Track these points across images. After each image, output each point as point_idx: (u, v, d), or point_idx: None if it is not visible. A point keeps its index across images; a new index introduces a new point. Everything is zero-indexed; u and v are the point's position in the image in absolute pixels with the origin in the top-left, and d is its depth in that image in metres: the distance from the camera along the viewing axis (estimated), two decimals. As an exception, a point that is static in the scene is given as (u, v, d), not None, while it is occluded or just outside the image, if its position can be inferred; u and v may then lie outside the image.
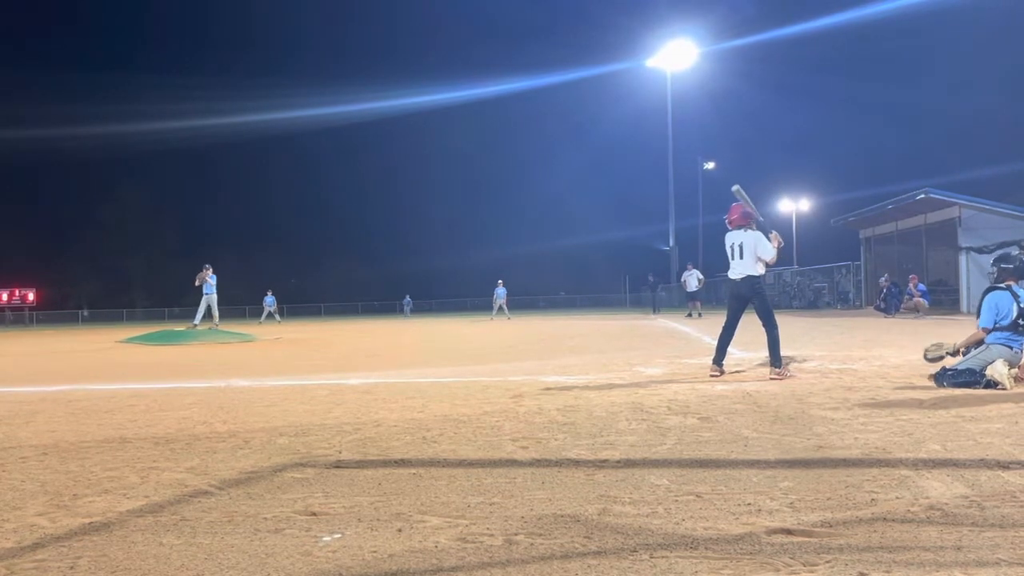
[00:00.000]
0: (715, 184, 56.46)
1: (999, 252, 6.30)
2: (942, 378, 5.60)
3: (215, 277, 18.94)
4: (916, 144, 63.36)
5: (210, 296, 18.71)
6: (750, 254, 6.68)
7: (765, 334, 6.61)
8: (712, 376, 6.62)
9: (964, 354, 5.83)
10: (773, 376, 6.36)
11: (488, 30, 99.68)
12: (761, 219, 6.80)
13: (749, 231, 6.75)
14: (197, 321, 18.54)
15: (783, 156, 77.46)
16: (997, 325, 5.73)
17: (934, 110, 59.97)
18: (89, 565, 2.23)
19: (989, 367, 5.44)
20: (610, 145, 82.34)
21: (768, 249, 6.65)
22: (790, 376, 6.43)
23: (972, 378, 5.44)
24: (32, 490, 3.14)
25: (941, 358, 5.86)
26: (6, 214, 67.86)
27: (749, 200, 6.73)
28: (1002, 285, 5.92)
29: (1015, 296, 5.78)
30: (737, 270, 6.80)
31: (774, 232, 6.75)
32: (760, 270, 6.74)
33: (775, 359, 6.49)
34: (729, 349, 6.92)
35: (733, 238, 6.83)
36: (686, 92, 45.32)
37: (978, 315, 5.95)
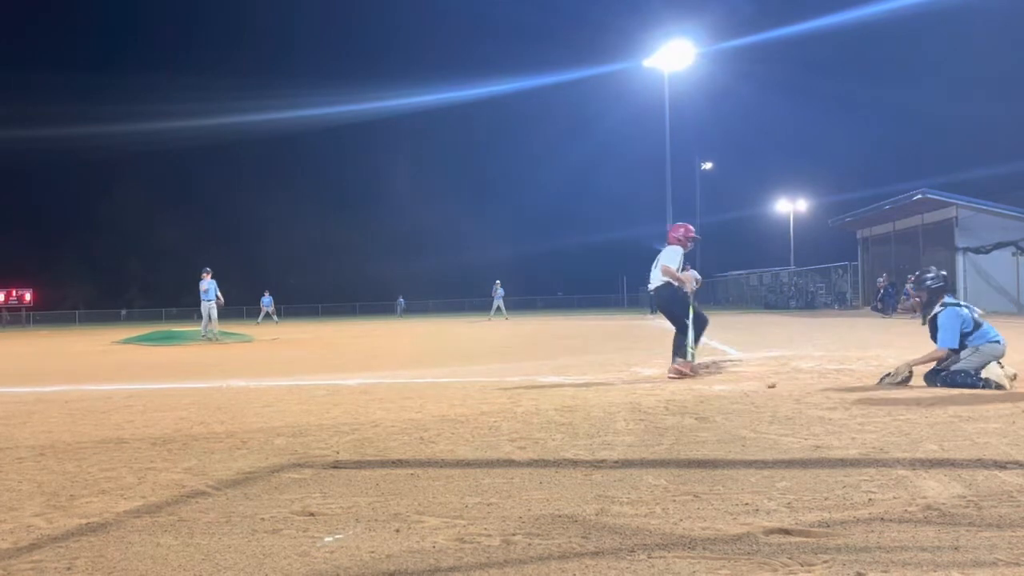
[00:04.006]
0: (713, 184, 56.54)
1: (917, 274, 6.35)
2: (934, 379, 5.61)
3: (213, 283, 17.00)
4: (913, 144, 63.47)
5: (206, 304, 16.85)
6: (661, 262, 7.03)
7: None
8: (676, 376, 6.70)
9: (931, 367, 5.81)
10: (671, 374, 6.61)
11: (485, 31, 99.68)
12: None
13: (672, 246, 7.13)
14: (203, 331, 16.88)
15: (780, 156, 77.60)
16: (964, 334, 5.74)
17: (931, 110, 60.00)
18: (86, 566, 2.23)
19: (985, 370, 5.45)
20: (608, 145, 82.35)
21: (670, 259, 6.95)
22: (683, 377, 6.53)
23: (966, 380, 5.44)
24: (29, 491, 3.14)
25: (908, 378, 5.75)
26: (3, 214, 67.81)
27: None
28: (939, 307, 5.93)
29: (957, 305, 5.87)
30: (652, 280, 7.15)
31: (693, 276, 7.20)
32: (668, 279, 6.95)
33: (676, 356, 6.73)
34: (725, 349, 6.96)
35: (659, 251, 7.23)
36: (684, 92, 45.25)
37: (933, 337, 5.94)
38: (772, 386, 5.80)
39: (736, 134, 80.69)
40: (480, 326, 23.47)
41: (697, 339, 6.95)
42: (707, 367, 7.36)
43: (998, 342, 5.65)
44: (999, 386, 5.32)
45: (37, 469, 3.56)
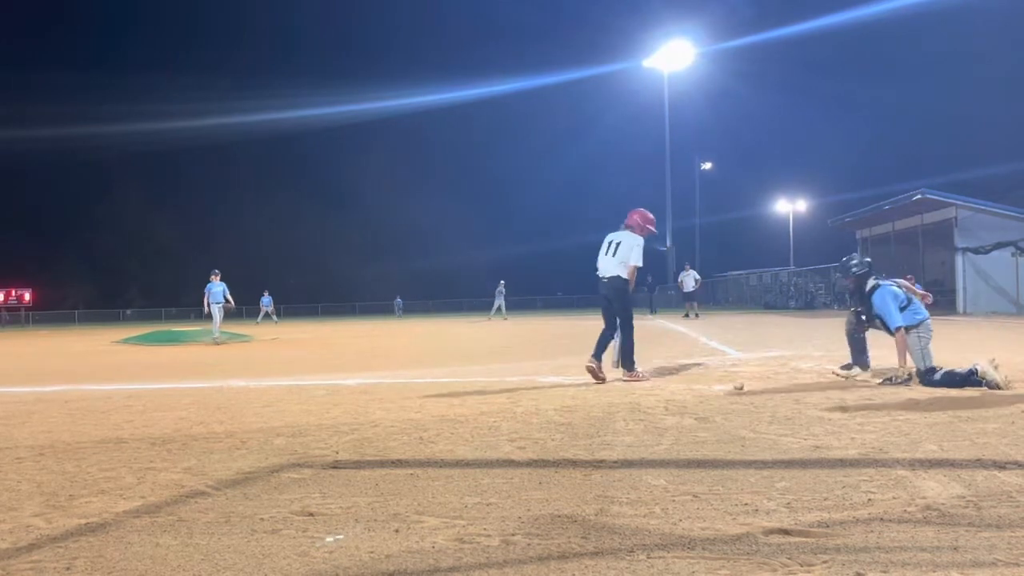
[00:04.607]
0: (713, 184, 56.57)
1: (843, 261, 6.36)
2: (931, 380, 5.62)
3: (222, 285, 16.46)
4: (913, 144, 63.45)
5: (214, 306, 16.31)
6: (623, 254, 6.66)
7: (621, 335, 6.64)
8: (587, 367, 6.49)
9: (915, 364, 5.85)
10: (625, 378, 6.43)
11: (485, 31, 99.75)
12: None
13: (632, 234, 6.73)
14: (215, 332, 16.25)
15: (780, 156, 77.67)
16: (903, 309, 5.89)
17: (931, 110, 60.07)
18: (85, 566, 2.22)
19: (981, 370, 5.45)
20: (607, 145, 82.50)
21: (636, 256, 6.61)
22: (643, 379, 6.43)
23: (966, 379, 5.44)
24: (28, 491, 3.14)
25: (907, 380, 5.78)
26: (3, 214, 67.82)
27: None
28: (871, 282, 6.06)
29: (886, 283, 6.02)
30: (604, 268, 6.76)
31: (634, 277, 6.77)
32: (626, 273, 6.69)
33: (627, 362, 6.54)
34: (725, 349, 6.93)
35: (614, 236, 6.80)
36: (683, 92, 45.29)
37: (868, 318, 6.07)
38: (740, 387, 5.72)
39: (736, 134, 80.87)
40: (480, 326, 23.47)
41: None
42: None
43: (927, 317, 5.92)
44: (997, 386, 5.32)
45: (36, 469, 3.56)
